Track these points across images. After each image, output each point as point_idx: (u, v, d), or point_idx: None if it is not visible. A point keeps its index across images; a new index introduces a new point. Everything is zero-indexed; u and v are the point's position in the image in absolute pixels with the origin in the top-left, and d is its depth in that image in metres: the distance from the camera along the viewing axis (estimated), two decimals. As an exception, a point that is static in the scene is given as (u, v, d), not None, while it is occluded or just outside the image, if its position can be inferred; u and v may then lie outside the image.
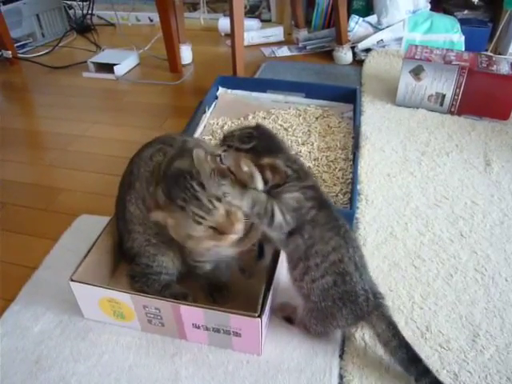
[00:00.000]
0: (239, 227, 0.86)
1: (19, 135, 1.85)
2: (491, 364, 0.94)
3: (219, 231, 0.85)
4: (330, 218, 0.86)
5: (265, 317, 0.90)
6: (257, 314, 0.88)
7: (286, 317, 1.00)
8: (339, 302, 0.86)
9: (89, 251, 1.02)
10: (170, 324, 0.97)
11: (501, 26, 2.15)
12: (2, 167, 1.62)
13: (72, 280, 0.96)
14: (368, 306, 0.87)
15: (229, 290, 1.07)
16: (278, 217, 0.84)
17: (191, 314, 0.92)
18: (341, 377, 0.92)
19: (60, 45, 2.63)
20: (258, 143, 0.80)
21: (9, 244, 1.28)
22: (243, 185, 0.82)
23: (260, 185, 0.81)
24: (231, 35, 1.86)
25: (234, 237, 0.87)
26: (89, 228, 1.18)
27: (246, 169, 0.79)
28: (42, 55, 2.51)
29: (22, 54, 2.49)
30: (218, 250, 0.92)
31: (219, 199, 0.84)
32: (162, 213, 0.87)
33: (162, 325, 0.98)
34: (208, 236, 0.85)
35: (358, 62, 2.26)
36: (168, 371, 0.94)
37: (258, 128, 0.85)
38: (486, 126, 1.72)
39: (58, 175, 1.57)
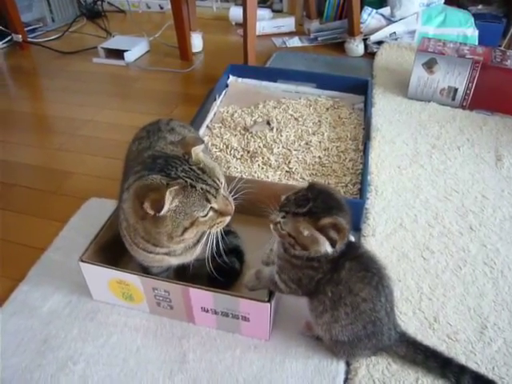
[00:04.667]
0: (232, 207, 0.85)
1: (29, 119, 1.85)
2: (499, 356, 0.94)
3: (219, 212, 0.83)
4: (360, 269, 0.83)
5: (274, 302, 0.90)
6: (266, 299, 0.89)
7: (316, 335, 0.95)
8: (366, 339, 0.86)
9: (98, 233, 1.03)
10: (179, 307, 0.97)
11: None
12: (11, 149, 1.63)
13: (82, 261, 0.96)
14: (390, 341, 0.88)
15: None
16: (281, 285, 0.86)
17: (200, 297, 0.92)
18: (348, 364, 0.93)
19: (70, 30, 2.62)
20: (314, 204, 0.77)
21: (18, 225, 1.29)
22: (306, 249, 0.80)
23: (328, 247, 0.77)
24: (243, 24, 1.85)
25: (228, 219, 0.86)
26: (98, 211, 1.18)
27: (306, 233, 0.77)
28: (51, 40, 2.50)
29: (32, 38, 2.49)
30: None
31: (220, 181, 0.84)
32: (170, 190, 0.76)
33: (171, 308, 0.98)
34: (209, 219, 0.83)
35: (369, 55, 2.24)
36: (175, 353, 0.94)
37: (313, 188, 0.80)
38: (497, 122, 1.70)
39: (67, 159, 1.57)
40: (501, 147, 1.56)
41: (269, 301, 0.88)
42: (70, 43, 2.47)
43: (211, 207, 0.81)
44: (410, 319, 1.00)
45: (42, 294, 1.06)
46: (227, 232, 1.12)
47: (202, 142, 0.87)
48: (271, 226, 0.83)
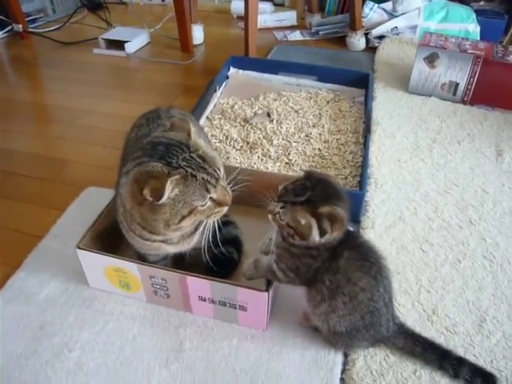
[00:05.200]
0: (230, 198, 0.85)
1: (28, 108, 1.84)
2: (497, 349, 0.93)
3: (217, 202, 0.83)
4: (359, 258, 0.82)
5: (271, 291, 0.89)
6: (264, 288, 0.88)
7: (314, 325, 0.94)
8: (364, 329, 0.85)
9: (96, 221, 1.02)
10: (176, 296, 0.96)
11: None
12: (11, 138, 1.62)
13: (78, 247, 0.96)
14: (388, 332, 0.88)
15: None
16: (279, 274, 0.86)
17: (198, 285, 0.92)
18: (345, 355, 0.92)
19: (71, 21, 2.61)
20: (312, 193, 0.76)
21: (16, 213, 1.28)
22: (304, 239, 0.79)
23: (316, 235, 0.77)
24: (245, 16, 1.84)
25: (226, 209, 0.85)
26: (96, 200, 1.17)
27: (304, 221, 0.76)
28: (52, 31, 2.49)
29: (32, 28, 2.47)
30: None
31: (220, 171, 0.83)
32: (171, 179, 0.75)
33: (168, 296, 0.97)
34: (208, 208, 0.82)
35: (370, 49, 2.23)
36: (172, 342, 0.94)
37: (311, 177, 0.80)
38: (498, 117, 1.69)
39: (66, 148, 1.56)
40: (501, 142, 1.55)
41: (267, 290, 0.87)
42: (71, 34, 2.45)
43: (210, 197, 0.81)
44: (409, 311, 1.00)
45: (39, 281, 1.06)
46: (226, 222, 1.12)
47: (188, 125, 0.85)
48: (270, 217, 0.82)
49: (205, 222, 0.86)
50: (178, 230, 0.83)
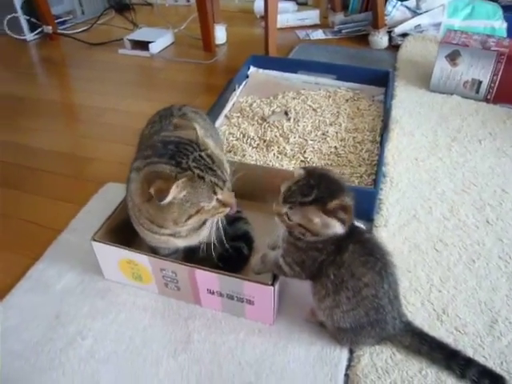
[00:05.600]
0: (234, 200, 0.87)
1: (55, 107, 1.91)
2: (508, 351, 0.91)
3: (223, 203, 0.85)
4: (363, 253, 0.82)
5: (277, 285, 0.90)
6: (270, 282, 0.89)
7: (320, 321, 0.95)
8: (369, 327, 0.85)
9: (111, 215, 1.06)
10: (186, 288, 0.99)
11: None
12: (37, 136, 1.68)
13: (94, 240, 0.99)
14: (395, 330, 0.87)
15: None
16: (285, 268, 0.87)
17: (206, 279, 0.94)
18: (351, 352, 0.92)
19: (98, 22, 2.69)
20: (319, 191, 0.77)
21: (38, 207, 1.33)
22: (317, 235, 0.80)
23: (339, 228, 0.78)
24: (265, 15, 1.86)
25: (228, 210, 0.87)
26: (114, 195, 1.20)
27: (316, 220, 0.77)
28: (80, 32, 2.57)
29: (61, 29, 2.56)
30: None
31: (227, 172, 0.86)
32: (177, 183, 0.78)
33: (178, 289, 1.00)
34: (213, 208, 0.84)
35: (393, 47, 2.20)
36: (181, 334, 0.96)
37: (313, 174, 0.80)
38: (522, 116, 1.65)
39: (89, 146, 1.61)
40: (525, 142, 1.52)
41: (272, 284, 0.89)
42: (98, 35, 2.53)
43: (217, 198, 0.83)
44: (418, 310, 0.99)
45: (57, 272, 1.10)
46: (238, 218, 1.14)
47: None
48: (276, 218, 0.82)
49: (213, 220, 0.89)
50: (184, 226, 0.87)
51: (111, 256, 1.01)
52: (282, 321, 0.98)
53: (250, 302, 0.94)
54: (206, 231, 0.93)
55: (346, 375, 0.89)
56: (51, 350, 0.94)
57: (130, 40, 2.27)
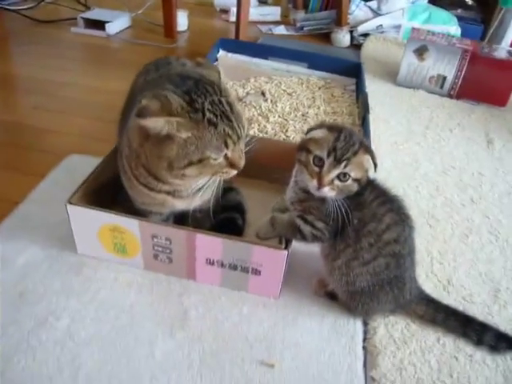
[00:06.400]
0: (243, 163, 0.76)
1: (2, 79, 1.69)
2: (516, 318, 0.90)
3: (230, 162, 0.74)
4: (380, 193, 0.80)
5: (290, 251, 0.81)
6: (283, 246, 0.81)
7: (329, 292, 0.88)
8: (387, 286, 0.80)
9: (89, 177, 0.91)
10: (180, 260, 0.87)
11: (495, 24, 2.18)
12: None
13: (70, 203, 0.84)
14: (411, 295, 0.83)
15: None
16: (306, 229, 0.80)
17: (208, 245, 0.83)
18: (365, 324, 0.86)
19: (46, 1, 2.45)
20: (359, 137, 0.77)
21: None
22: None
23: (372, 171, 0.76)
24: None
25: (235, 173, 0.76)
26: (80, 167, 1.06)
27: (366, 164, 0.75)
28: (26, 9, 2.32)
29: (4, 4, 2.30)
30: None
31: (244, 128, 0.75)
32: (171, 118, 0.67)
33: (170, 261, 0.88)
34: (218, 164, 0.73)
35: (355, 46, 2.24)
36: (175, 310, 0.84)
37: (338, 128, 0.77)
38: (484, 111, 1.72)
39: (44, 117, 1.43)
40: (490, 132, 1.58)
41: (286, 248, 0.80)
42: (46, 13, 2.29)
43: (225, 154, 0.72)
44: (424, 282, 0.95)
45: (16, 246, 0.93)
46: (229, 189, 1.04)
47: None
48: (326, 190, 0.74)
49: (214, 179, 0.78)
50: (180, 176, 0.73)
51: (91, 223, 0.86)
52: (287, 295, 0.89)
53: (256, 272, 0.84)
54: (208, 193, 0.83)
55: (364, 348, 0.82)
56: (17, 332, 0.78)
57: (84, 18, 2.09)
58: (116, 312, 0.83)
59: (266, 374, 0.75)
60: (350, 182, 0.74)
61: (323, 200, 0.76)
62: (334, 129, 0.76)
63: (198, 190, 0.80)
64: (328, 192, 0.74)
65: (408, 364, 0.79)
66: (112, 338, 0.78)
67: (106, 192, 0.93)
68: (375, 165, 0.75)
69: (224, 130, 0.70)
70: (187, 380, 0.73)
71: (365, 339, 0.83)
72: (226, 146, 0.71)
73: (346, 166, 0.72)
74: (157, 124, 0.67)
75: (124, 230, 0.85)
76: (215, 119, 0.69)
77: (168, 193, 0.80)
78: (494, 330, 0.83)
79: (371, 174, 0.77)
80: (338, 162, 0.72)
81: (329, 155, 0.73)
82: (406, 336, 0.84)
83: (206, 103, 0.69)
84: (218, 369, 0.75)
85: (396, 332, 0.84)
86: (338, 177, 0.73)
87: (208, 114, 0.69)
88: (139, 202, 0.85)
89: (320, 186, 0.73)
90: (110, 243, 0.88)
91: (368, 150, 0.75)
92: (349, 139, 0.73)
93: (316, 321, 0.85)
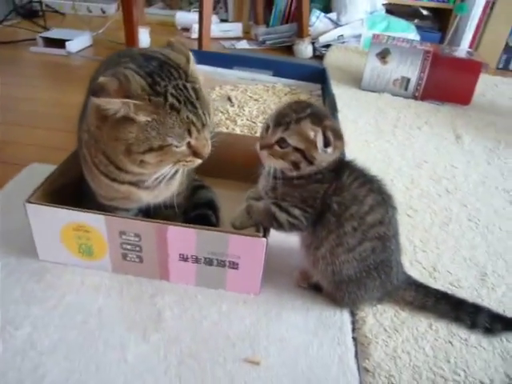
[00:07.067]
0: (208, 152, 0.72)
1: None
2: (506, 300, 0.87)
3: (193, 151, 0.70)
4: (357, 174, 0.76)
5: (268, 238, 0.77)
6: (261, 234, 0.76)
7: (313, 284, 0.84)
8: (374, 272, 0.76)
9: (50, 176, 0.85)
10: (151, 258, 0.80)
11: (451, 30, 2.27)
12: None
13: (29, 202, 0.77)
14: (398, 281, 0.79)
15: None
16: (281, 216, 0.76)
17: (180, 238, 0.77)
18: (352, 314, 0.81)
19: (5, 24, 2.39)
20: (312, 109, 0.72)
21: None
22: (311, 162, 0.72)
23: (321, 144, 0.70)
24: (199, 5, 1.77)
25: (198, 163, 0.72)
26: (41, 175, 0.98)
27: (312, 134, 0.70)
28: (-17, 32, 2.25)
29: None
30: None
31: (210, 116, 0.71)
32: (128, 100, 0.62)
33: (141, 260, 0.81)
34: (181, 153, 0.69)
35: (317, 57, 2.26)
36: (148, 312, 0.77)
37: (301, 101, 0.77)
38: (449, 110, 1.75)
39: (1, 130, 1.36)
40: (458, 128, 1.59)
41: (264, 236, 0.75)
42: (4, 35, 2.23)
43: (189, 142, 0.68)
44: (409, 269, 0.91)
45: (-31, 257, 0.85)
46: (200, 186, 0.99)
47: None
48: (265, 153, 0.73)
49: (181, 170, 0.73)
50: (138, 163, 0.68)
51: (52, 222, 0.79)
52: (267, 290, 0.83)
53: (234, 266, 0.79)
54: (175, 184, 0.78)
55: (353, 338, 0.77)
56: (-31, 345, 0.69)
57: (44, 38, 2.03)
58: (83, 317, 0.75)
59: (252, 372, 0.69)
60: (289, 149, 0.71)
61: (296, 186, 0.73)
62: (298, 101, 0.76)
63: (161, 179, 0.74)
64: (267, 158, 0.73)
65: (402, 352, 0.75)
66: (79, 343, 0.71)
67: (70, 192, 0.86)
68: (327, 140, 0.70)
69: (187, 117, 0.66)
70: (165, 383, 0.66)
71: (354, 330, 0.78)
72: (190, 133, 0.67)
73: (284, 131, 0.70)
74: (113, 105, 0.62)
75: (89, 228, 0.78)
76: (178, 104, 0.65)
77: (131, 183, 0.75)
78: (487, 310, 0.80)
79: (320, 149, 0.71)
80: (276, 125, 0.71)
81: (273, 121, 0.72)
82: (397, 324, 0.79)
83: (169, 87, 0.65)
84: (198, 370, 0.68)
85: (386, 320, 0.80)
86: (277, 142, 0.71)
87: (171, 99, 0.65)
88: (104, 197, 0.79)
89: (260, 148, 0.73)
90: (74, 245, 0.81)
91: (318, 123, 0.70)
92: (297, 108, 0.72)
93: (301, 314, 0.79)
